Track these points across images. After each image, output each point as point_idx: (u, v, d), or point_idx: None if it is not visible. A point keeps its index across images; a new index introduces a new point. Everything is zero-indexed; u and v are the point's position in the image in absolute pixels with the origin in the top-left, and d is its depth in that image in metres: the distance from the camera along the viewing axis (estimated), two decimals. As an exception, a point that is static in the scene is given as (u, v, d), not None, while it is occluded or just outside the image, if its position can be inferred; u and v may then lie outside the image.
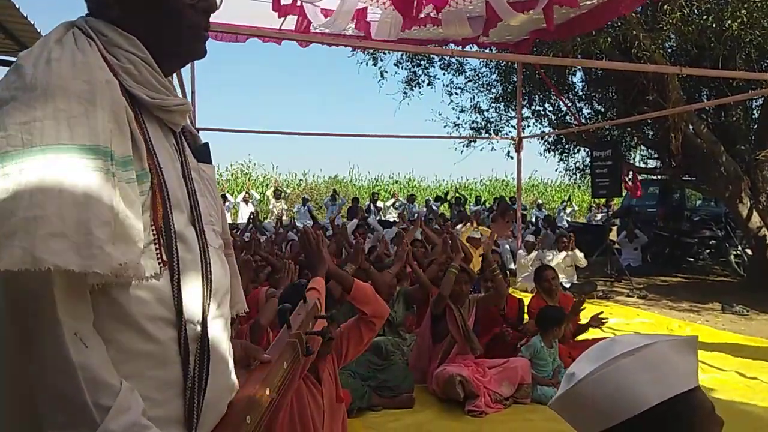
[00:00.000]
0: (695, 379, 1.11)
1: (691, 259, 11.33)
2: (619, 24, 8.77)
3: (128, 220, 0.90)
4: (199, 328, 1.04)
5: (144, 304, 0.96)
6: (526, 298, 5.85)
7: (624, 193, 12.24)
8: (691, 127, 9.30)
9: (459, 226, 9.28)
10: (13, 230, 0.80)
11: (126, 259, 0.88)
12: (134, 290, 0.95)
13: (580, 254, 8.59)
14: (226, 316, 1.16)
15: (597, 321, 4.93)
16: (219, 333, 1.10)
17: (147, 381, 0.96)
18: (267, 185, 21.93)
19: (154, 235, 0.98)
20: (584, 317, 5.13)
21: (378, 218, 14.87)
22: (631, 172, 10.23)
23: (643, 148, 13.88)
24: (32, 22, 5.61)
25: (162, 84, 1.07)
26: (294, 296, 2.13)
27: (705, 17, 8.02)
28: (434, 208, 15.94)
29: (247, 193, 15.83)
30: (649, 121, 10.65)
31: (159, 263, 0.98)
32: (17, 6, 5.20)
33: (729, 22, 7.55)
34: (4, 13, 5.33)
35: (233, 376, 1.16)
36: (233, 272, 1.31)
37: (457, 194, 18.05)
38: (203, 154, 1.21)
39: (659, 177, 12.72)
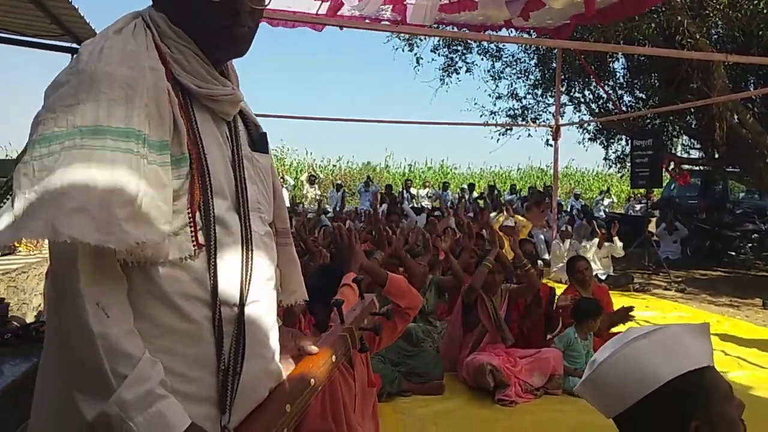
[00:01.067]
0: (708, 359, 1.17)
1: (733, 253, 11.03)
2: (663, 9, 8.53)
3: (154, 201, 0.93)
4: (236, 310, 1.06)
5: (179, 282, 0.99)
6: (560, 289, 5.78)
7: (665, 184, 11.96)
8: (736, 116, 9.02)
9: (493, 215, 9.20)
10: (42, 204, 0.86)
11: (145, 238, 0.91)
12: (170, 269, 0.99)
13: (618, 243, 8.42)
14: (269, 302, 1.17)
15: (624, 313, 4.83)
16: (259, 318, 1.12)
17: (180, 357, 0.99)
18: (301, 171, 22.07)
19: (189, 218, 1.01)
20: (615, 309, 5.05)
21: (411, 205, 14.87)
22: (673, 162, 9.98)
23: (685, 137, 13.55)
24: (77, 7, 5.73)
25: (211, 74, 1.10)
26: (323, 280, 2.12)
27: (755, 2, 7.72)
28: (466, 196, 15.84)
29: (282, 178, 15.97)
30: (692, 109, 10.38)
31: (194, 245, 1.01)
32: (62, -9, 5.31)
33: (781, 7, 7.27)
34: (49, -2, 5.45)
35: (275, 363, 1.17)
36: (291, 260, 1.35)
37: (488, 185, 17.90)
38: (260, 143, 1.23)
39: (701, 168, 12.39)
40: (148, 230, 0.92)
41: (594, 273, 5.80)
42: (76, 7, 5.69)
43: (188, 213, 1.01)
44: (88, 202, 0.87)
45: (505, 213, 8.84)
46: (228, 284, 1.05)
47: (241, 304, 1.07)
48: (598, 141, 13.89)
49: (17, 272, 4.74)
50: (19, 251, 7.11)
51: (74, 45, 7.09)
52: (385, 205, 10.69)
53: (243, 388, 1.05)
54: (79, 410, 0.89)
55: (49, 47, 7.22)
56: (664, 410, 1.12)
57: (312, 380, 1.16)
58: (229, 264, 1.06)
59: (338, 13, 7.03)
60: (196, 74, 1.07)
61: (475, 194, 17.01)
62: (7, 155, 18.21)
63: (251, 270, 1.10)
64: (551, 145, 11.75)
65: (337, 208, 12.05)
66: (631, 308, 4.86)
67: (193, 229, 1.01)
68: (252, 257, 1.11)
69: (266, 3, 1.15)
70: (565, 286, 6.03)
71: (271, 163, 1.28)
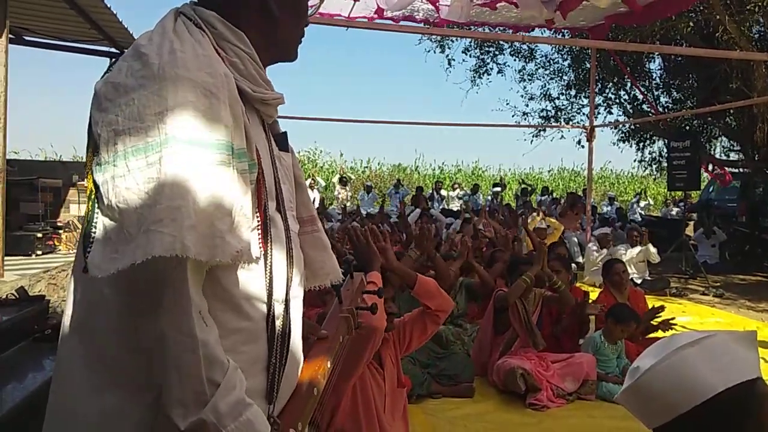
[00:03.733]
0: (757, 369, 1.12)
1: (774, 258, 10.69)
2: (701, 8, 8.34)
3: (243, 209, 0.97)
4: (282, 306, 1.10)
5: (243, 284, 1.03)
6: (594, 293, 5.69)
7: (703, 186, 11.68)
8: (778, 117, 8.77)
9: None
10: (159, 217, 0.86)
11: (241, 246, 0.95)
12: (236, 271, 1.01)
13: (653, 249, 8.24)
14: (302, 297, 1.23)
15: (665, 325, 4.73)
16: (297, 311, 1.17)
17: (240, 356, 1.01)
18: (333, 172, 22.22)
19: (258, 221, 1.04)
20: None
21: (441, 207, 14.85)
22: (711, 164, 9.74)
23: (724, 139, 13.21)
24: (115, 13, 5.88)
25: (263, 78, 1.13)
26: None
27: (799, -1, 7.49)
28: (498, 199, 15.72)
29: (312, 179, 16.07)
30: (731, 110, 10.12)
31: (260, 247, 1.05)
32: (102, -3, 5.45)
33: (826, 4, 7.04)
34: (89, 4, 5.62)
35: (301, 351, 1.22)
36: (322, 246, 1.39)
37: (523, 185, 17.70)
38: (282, 142, 1.26)
39: (741, 170, 12.06)
40: (242, 237, 0.96)
41: (629, 277, 5.67)
42: (115, 12, 5.82)
43: (257, 216, 1.04)
44: (196, 218, 0.88)
45: (537, 215, 8.76)
46: (279, 282, 1.09)
47: (287, 300, 1.11)
48: (633, 142, 13.65)
49: (57, 270, 4.88)
50: (59, 250, 7.32)
51: (112, 49, 7.28)
52: (417, 210, 10.55)
53: (285, 380, 1.10)
54: (169, 417, 0.89)
55: (89, 51, 7.42)
56: (712, 424, 1.08)
57: (328, 363, 1.22)
58: (279, 262, 1.10)
59: (372, 14, 7.06)
60: (250, 78, 1.09)
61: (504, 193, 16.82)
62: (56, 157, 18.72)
63: (293, 267, 1.15)
64: (584, 147, 11.55)
65: (371, 211, 12.10)
66: (662, 308, 4.74)
67: (260, 231, 1.04)
68: (293, 255, 1.15)
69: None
70: (598, 290, 5.95)
71: (292, 161, 1.31)
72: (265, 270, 1.06)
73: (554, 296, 4.51)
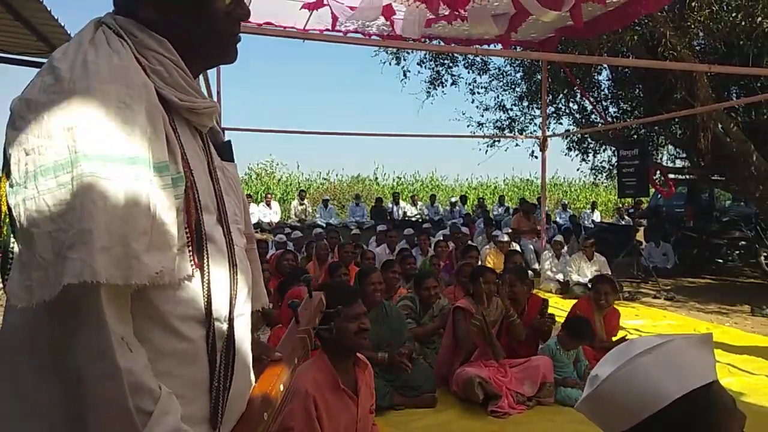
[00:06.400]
0: (713, 373, 1.13)
1: (720, 261, 11.09)
2: (646, 22, 8.65)
3: (164, 227, 0.90)
4: (225, 326, 1.04)
5: (176, 304, 0.97)
6: (552, 300, 5.78)
7: (651, 193, 12.04)
8: (720, 125, 9.14)
9: (486, 247, 9.34)
10: (72, 242, 0.81)
11: (162, 266, 0.89)
12: (167, 291, 0.95)
13: (601, 258, 8.51)
14: (248, 315, 1.16)
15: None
16: (243, 331, 1.11)
17: (177, 379, 0.96)
18: (291, 185, 22.01)
19: (188, 237, 0.98)
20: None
21: (400, 217, 14.92)
22: (659, 172, 10.06)
23: (670, 147, 13.67)
24: (63, 24, 5.72)
25: (191, 86, 1.06)
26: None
27: (734, 14, 7.86)
28: (458, 208, 15.87)
29: (267, 203, 15.59)
30: (677, 119, 10.50)
31: (192, 265, 0.99)
32: (49, 9, 5.32)
33: (760, 18, 7.40)
34: (35, 15, 5.45)
35: (252, 374, 1.17)
36: (255, 266, 1.31)
37: (478, 199, 17.94)
38: (226, 152, 1.20)
39: (687, 177, 12.50)
40: (162, 257, 0.89)
41: (613, 298, 5.52)
42: (63, 24, 5.67)
43: (186, 232, 0.98)
44: (110, 239, 0.83)
45: (494, 247, 8.98)
46: (219, 301, 1.03)
47: (230, 319, 1.05)
48: (582, 151, 13.98)
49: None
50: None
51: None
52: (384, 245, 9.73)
53: (231, 403, 1.05)
54: None
55: (37, 64, 7.20)
56: (670, 429, 1.09)
57: (281, 386, 1.18)
58: (219, 280, 1.04)
59: (326, 26, 7.07)
60: (176, 86, 1.03)
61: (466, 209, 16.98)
62: None
63: (237, 284, 1.09)
64: (536, 157, 11.69)
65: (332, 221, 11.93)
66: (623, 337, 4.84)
67: (191, 248, 0.99)
68: (237, 271, 1.09)
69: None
70: (556, 296, 6.06)
71: (237, 172, 1.26)
72: (203, 288, 1.00)
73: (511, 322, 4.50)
